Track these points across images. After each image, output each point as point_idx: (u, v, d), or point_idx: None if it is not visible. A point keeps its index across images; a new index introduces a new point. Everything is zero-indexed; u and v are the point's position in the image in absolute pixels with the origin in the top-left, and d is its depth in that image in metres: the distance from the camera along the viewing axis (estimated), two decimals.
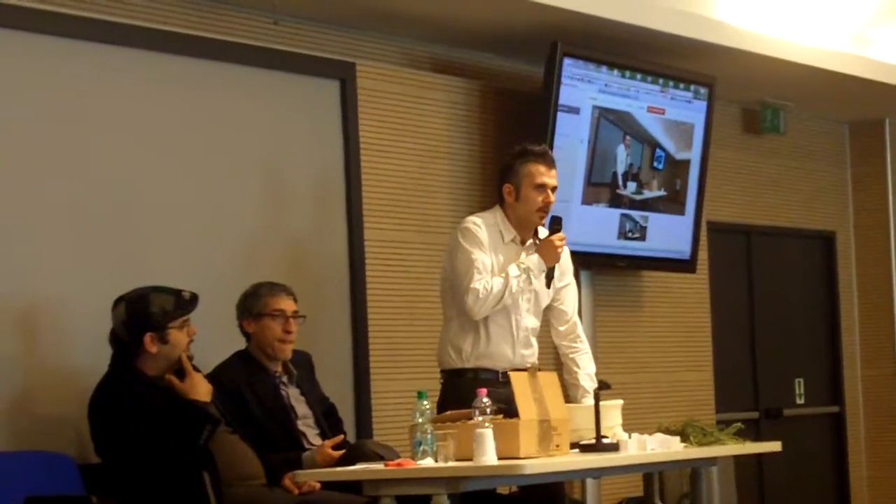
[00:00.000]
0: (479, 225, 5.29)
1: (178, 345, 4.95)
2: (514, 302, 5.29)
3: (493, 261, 5.27)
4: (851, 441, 9.12)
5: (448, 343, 5.35)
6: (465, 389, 5.13)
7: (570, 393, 5.39)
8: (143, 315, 4.91)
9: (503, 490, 5.40)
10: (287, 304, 5.37)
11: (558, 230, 5.32)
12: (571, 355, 5.48)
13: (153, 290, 4.98)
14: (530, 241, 5.38)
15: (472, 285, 5.20)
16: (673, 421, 5.58)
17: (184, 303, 4.98)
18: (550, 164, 5.39)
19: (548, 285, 5.35)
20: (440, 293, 5.45)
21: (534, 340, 5.42)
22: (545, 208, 5.34)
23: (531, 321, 5.39)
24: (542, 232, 5.42)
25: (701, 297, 8.10)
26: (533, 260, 5.29)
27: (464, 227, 5.31)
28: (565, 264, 5.46)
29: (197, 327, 5.02)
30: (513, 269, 5.25)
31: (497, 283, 5.22)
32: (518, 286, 5.25)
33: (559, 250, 5.32)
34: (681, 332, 7.96)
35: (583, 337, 5.53)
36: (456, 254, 5.28)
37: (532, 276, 5.27)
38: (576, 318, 5.53)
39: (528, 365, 5.18)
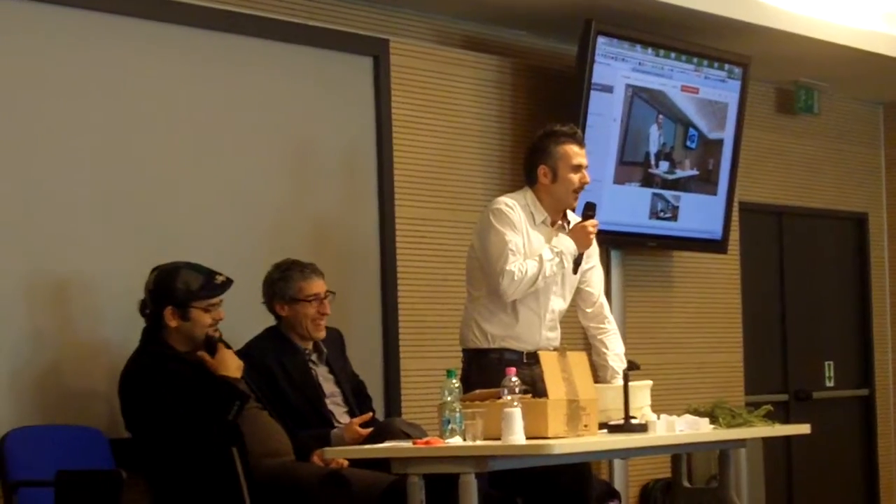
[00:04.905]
0: (512, 206, 5.25)
1: (199, 324, 4.95)
2: (546, 285, 5.27)
3: (524, 242, 5.25)
4: (881, 424, 9.07)
5: (473, 322, 5.32)
6: (490, 370, 5.11)
7: (599, 374, 5.37)
8: (168, 288, 4.93)
9: None
10: (319, 286, 5.34)
11: (591, 216, 5.30)
12: (600, 336, 5.46)
13: (186, 266, 4.99)
14: (559, 223, 5.36)
15: (507, 267, 5.16)
16: (702, 402, 5.57)
17: (212, 286, 4.97)
18: (582, 143, 5.37)
19: (575, 271, 5.32)
20: (466, 272, 5.43)
21: (558, 324, 5.40)
22: (581, 188, 5.32)
23: (559, 304, 5.37)
24: (571, 215, 5.40)
25: (731, 278, 8.06)
26: (565, 244, 5.26)
27: (495, 209, 5.27)
28: (591, 247, 5.43)
29: (225, 310, 5.01)
30: (546, 253, 5.22)
31: (532, 265, 5.18)
32: (552, 270, 5.22)
33: (591, 236, 5.30)
34: (711, 313, 7.93)
35: (610, 318, 5.51)
36: (488, 235, 5.24)
37: (565, 260, 5.25)
38: (602, 299, 5.51)
39: (552, 348, 5.17)
